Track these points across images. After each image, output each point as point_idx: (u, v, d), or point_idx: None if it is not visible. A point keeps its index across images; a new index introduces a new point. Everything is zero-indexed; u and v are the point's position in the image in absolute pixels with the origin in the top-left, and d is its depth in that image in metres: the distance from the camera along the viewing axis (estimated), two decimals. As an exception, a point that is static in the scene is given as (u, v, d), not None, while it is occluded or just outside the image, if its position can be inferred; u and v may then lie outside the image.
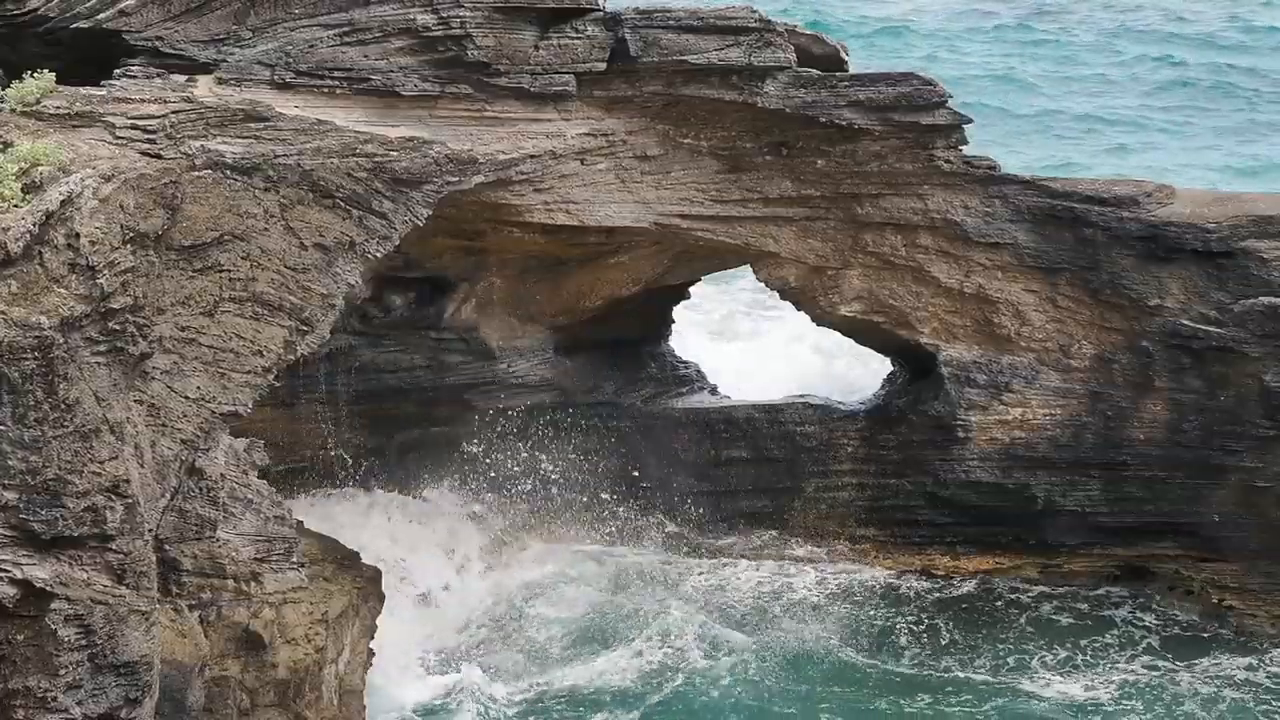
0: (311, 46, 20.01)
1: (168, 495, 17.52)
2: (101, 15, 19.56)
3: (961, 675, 22.32)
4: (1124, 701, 21.66)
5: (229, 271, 18.30)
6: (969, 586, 24.62)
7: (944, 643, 23.12)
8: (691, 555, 25.34)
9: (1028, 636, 23.41)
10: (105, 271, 15.63)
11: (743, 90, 22.22)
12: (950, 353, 24.57)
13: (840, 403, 26.30)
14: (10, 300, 15.01)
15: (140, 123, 17.94)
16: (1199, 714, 21.34)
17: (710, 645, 22.72)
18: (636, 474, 26.24)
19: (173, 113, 18.24)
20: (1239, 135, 49.35)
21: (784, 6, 54.17)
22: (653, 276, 25.48)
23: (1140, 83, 54.83)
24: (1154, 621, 23.74)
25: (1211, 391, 23.68)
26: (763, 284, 25.08)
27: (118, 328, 15.82)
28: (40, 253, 15.31)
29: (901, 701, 21.54)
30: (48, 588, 15.10)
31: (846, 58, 23.09)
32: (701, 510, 25.97)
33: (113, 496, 15.41)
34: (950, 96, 22.92)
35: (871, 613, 23.80)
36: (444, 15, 20.34)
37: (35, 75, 18.10)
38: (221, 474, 18.20)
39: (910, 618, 23.66)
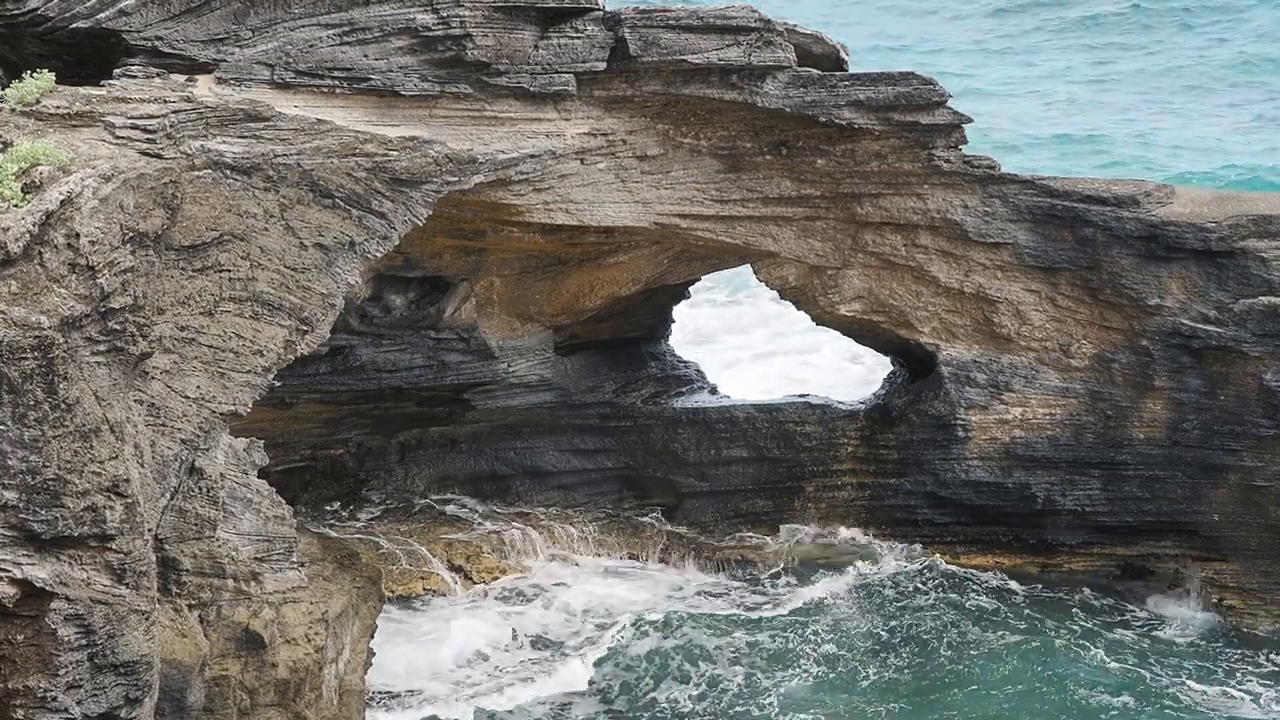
0: (311, 46, 20.01)
1: (168, 495, 17.52)
2: (101, 15, 19.54)
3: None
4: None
5: (229, 271, 18.29)
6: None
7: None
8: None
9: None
10: (105, 271, 15.62)
11: (742, 90, 22.22)
12: (950, 352, 24.59)
13: (840, 402, 26.33)
14: (10, 300, 15.00)
15: (140, 122, 17.91)
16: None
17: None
18: (636, 474, 26.34)
19: (173, 112, 18.22)
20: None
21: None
22: (653, 276, 25.49)
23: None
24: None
25: (1211, 391, 23.70)
26: (763, 283, 25.08)
27: (118, 328, 15.81)
28: (40, 253, 15.29)
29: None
30: (48, 588, 15.09)
31: (846, 57, 23.10)
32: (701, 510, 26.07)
33: (113, 496, 15.40)
34: (950, 96, 22.93)
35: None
36: (444, 15, 20.34)
37: (35, 75, 18.08)
38: (221, 474, 18.20)
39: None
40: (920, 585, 24.47)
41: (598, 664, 22.50)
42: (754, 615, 23.80)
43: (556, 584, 24.76)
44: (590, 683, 22.10)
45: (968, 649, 22.72)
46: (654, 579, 25.01)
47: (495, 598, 24.31)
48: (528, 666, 22.44)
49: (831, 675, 22.08)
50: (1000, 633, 23.10)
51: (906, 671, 22.20)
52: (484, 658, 22.77)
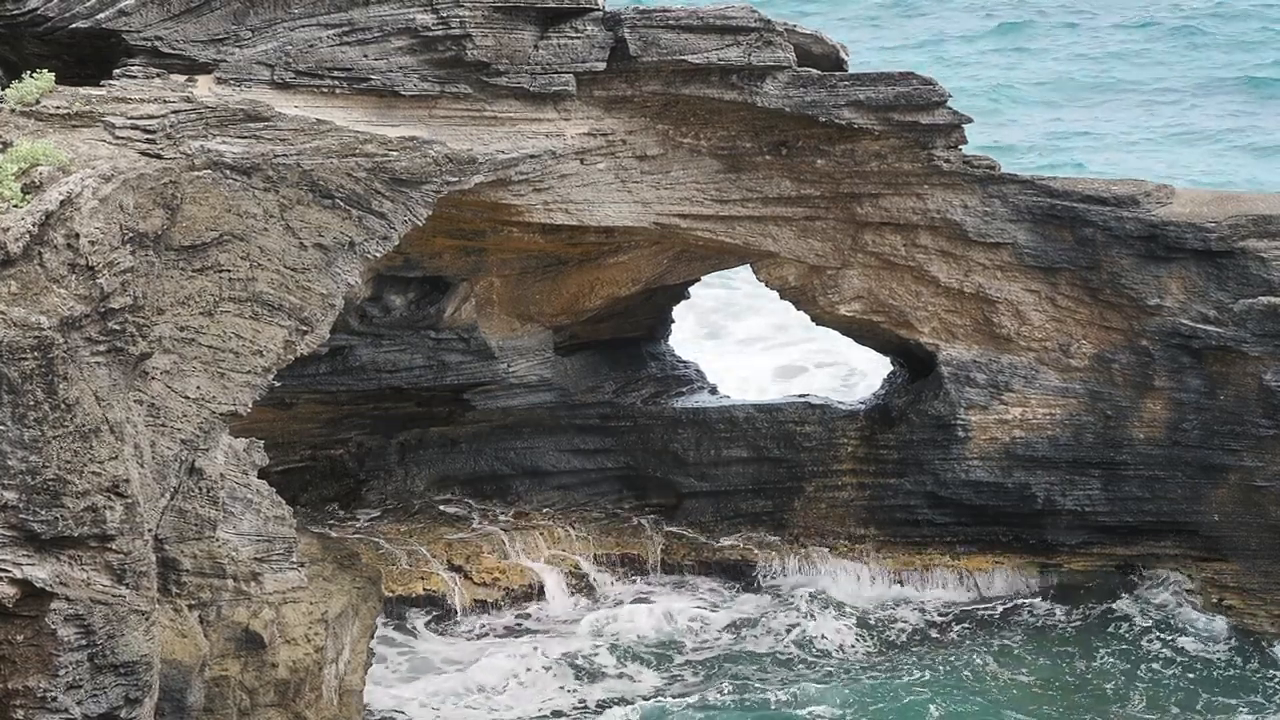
0: (311, 46, 20.02)
1: (168, 495, 17.53)
2: (101, 15, 19.55)
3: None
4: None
5: (229, 271, 18.31)
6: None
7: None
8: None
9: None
10: (105, 271, 15.64)
11: (742, 90, 22.22)
12: (950, 352, 24.58)
13: (840, 402, 26.34)
14: (10, 300, 15.02)
15: (140, 123, 17.92)
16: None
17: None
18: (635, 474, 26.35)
19: (173, 113, 18.23)
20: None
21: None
22: (653, 276, 25.48)
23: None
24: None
25: (1211, 391, 23.70)
26: (763, 283, 25.08)
27: (118, 328, 15.83)
28: (40, 253, 15.32)
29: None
30: (48, 588, 15.11)
31: (846, 57, 23.10)
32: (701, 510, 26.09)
33: (113, 496, 15.42)
34: (950, 96, 22.93)
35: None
36: (444, 15, 20.35)
37: (35, 75, 18.09)
38: (221, 474, 18.21)
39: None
40: (944, 618, 24.45)
41: (635, 705, 22.13)
42: (789, 652, 23.61)
43: (579, 610, 24.67)
44: None
45: (1002, 693, 22.38)
46: (674, 601, 24.96)
47: (512, 626, 24.25)
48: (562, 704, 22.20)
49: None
50: (1043, 679, 22.77)
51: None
52: (516, 685, 22.62)
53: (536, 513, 26.01)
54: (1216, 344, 23.41)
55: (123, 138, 17.73)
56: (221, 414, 18.18)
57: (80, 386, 15.30)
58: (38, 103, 17.82)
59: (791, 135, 23.11)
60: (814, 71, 22.44)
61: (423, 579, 24.43)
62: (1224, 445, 23.76)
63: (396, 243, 20.06)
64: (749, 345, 35.30)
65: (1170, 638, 23.65)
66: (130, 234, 16.35)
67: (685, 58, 21.71)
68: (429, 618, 24.09)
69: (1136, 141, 49.35)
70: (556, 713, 21.84)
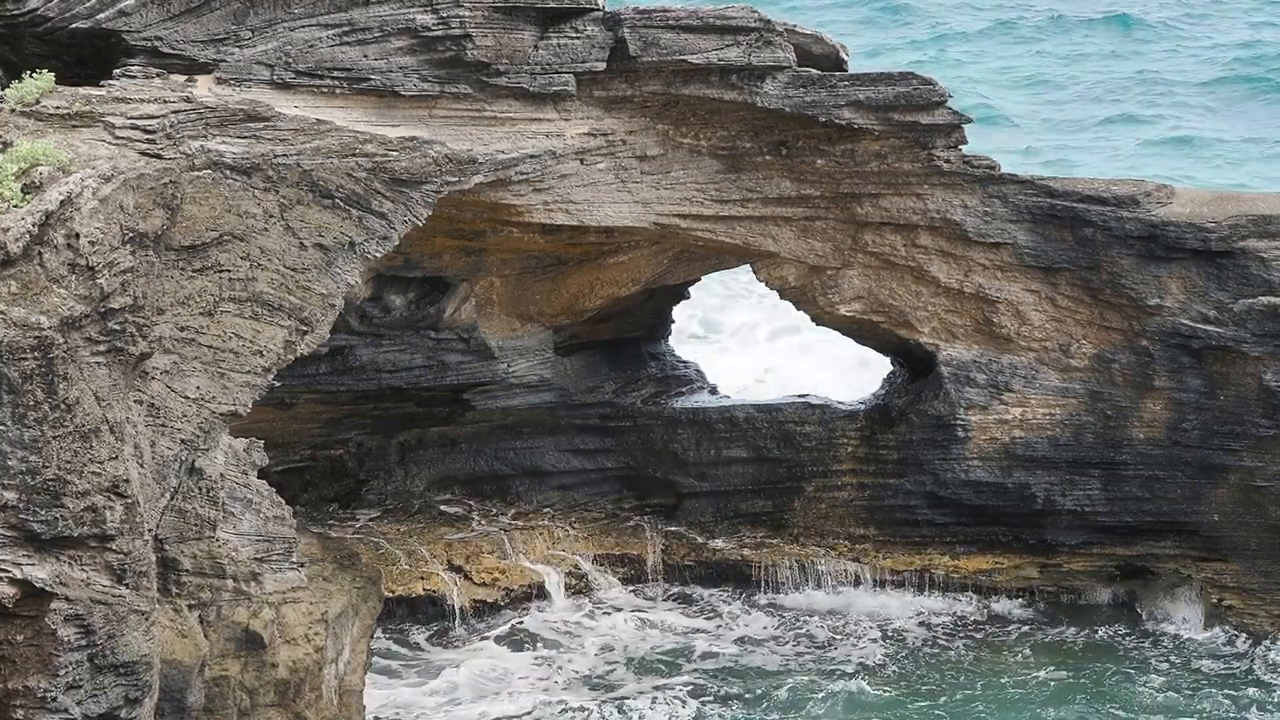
0: (311, 46, 20.02)
1: (168, 495, 17.53)
2: (101, 15, 19.54)
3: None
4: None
5: (229, 271, 18.30)
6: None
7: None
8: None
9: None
10: (105, 271, 15.63)
11: (742, 90, 22.22)
12: (950, 352, 24.58)
13: (840, 402, 26.33)
14: (10, 300, 15.01)
15: (140, 123, 17.91)
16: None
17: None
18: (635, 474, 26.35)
19: (172, 113, 18.22)
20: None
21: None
22: (653, 276, 25.49)
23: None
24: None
25: (1211, 391, 23.70)
26: (762, 283, 25.09)
27: (118, 328, 15.83)
28: (40, 253, 15.31)
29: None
30: (48, 588, 15.11)
31: (846, 58, 23.11)
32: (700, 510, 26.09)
33: (112, 496, 15.42)
34: (950, 96, 22.93)
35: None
36: (444, 15, 20.35)
37: (35, 75, 18.08)
38: (221, 474, 18.21)
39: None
40: (947, 632, 24.40)
41: (637, 711, 22.02)
42: (797, 664, 23.51)
43: (580, 612, 24.66)
44: None
45: (1012, 699, 22.34)
46: (676, 606, 24.97)
47: (513, 627, 24.23)
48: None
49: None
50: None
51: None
52: (516, 688, 22.55)
53: (536, 513, 26.02)
54: (1216, 344, 23.42)
55: (123, 138, 17.72)
56: (221, 414, 18.18)
57: (80, 386, 15.30)
58: (38, 103, 17.81)
59: (791, 135, 23.11)
60: (814, 71, 22.44)
61: (423, 579, 24.44)
62: (1224, 445, 23.76)
63: (396, 243, 20.05)
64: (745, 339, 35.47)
65: (1175, 644, 23.81)
66: (130, 234, 16.35)
67: (685, 58, 21.71)
68: (432, 631, 24.10)
69: (1136, 141, 49.42)
70: (563, 711, 21.83)
